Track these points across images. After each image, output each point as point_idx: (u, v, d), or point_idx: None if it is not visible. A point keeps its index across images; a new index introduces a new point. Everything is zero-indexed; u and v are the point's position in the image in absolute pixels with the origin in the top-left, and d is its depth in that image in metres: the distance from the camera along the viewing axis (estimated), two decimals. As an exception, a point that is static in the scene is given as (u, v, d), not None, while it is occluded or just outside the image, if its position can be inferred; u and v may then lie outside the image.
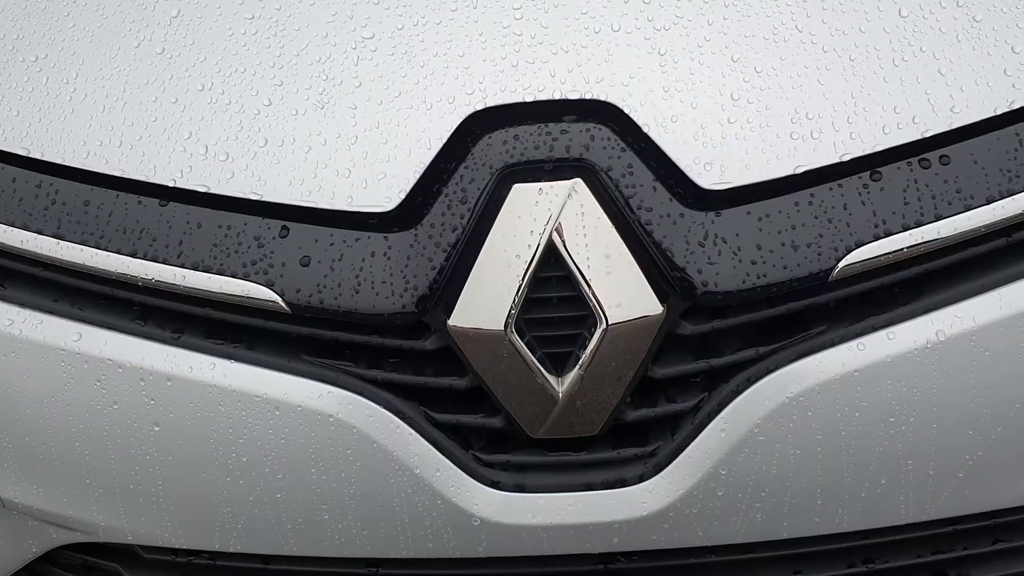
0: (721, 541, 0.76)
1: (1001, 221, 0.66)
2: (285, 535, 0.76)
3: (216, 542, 0.78)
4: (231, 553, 0.81)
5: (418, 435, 0.71)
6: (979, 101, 0.67)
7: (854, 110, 0.66)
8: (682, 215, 0.65)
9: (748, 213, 0.66)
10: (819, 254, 0.65)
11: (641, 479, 0.72)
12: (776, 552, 0.80)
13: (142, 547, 0.85)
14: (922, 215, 0.66)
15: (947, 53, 0.68)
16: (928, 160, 0.67)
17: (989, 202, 0.66)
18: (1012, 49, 0.69)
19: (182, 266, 0.68)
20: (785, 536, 0.75)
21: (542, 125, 0.67)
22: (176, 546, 0.80)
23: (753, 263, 0.65)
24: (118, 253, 0.70)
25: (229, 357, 0.71)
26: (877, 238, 0.65)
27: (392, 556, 0.78)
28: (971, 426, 0.71)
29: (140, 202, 0.70)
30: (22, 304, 0.75)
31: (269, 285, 0.67)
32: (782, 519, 0.74)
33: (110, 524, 0.79)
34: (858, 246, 0.65)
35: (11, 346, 0.74)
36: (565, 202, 0.65)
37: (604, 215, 0.65)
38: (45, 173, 0.73)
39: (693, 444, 0.70)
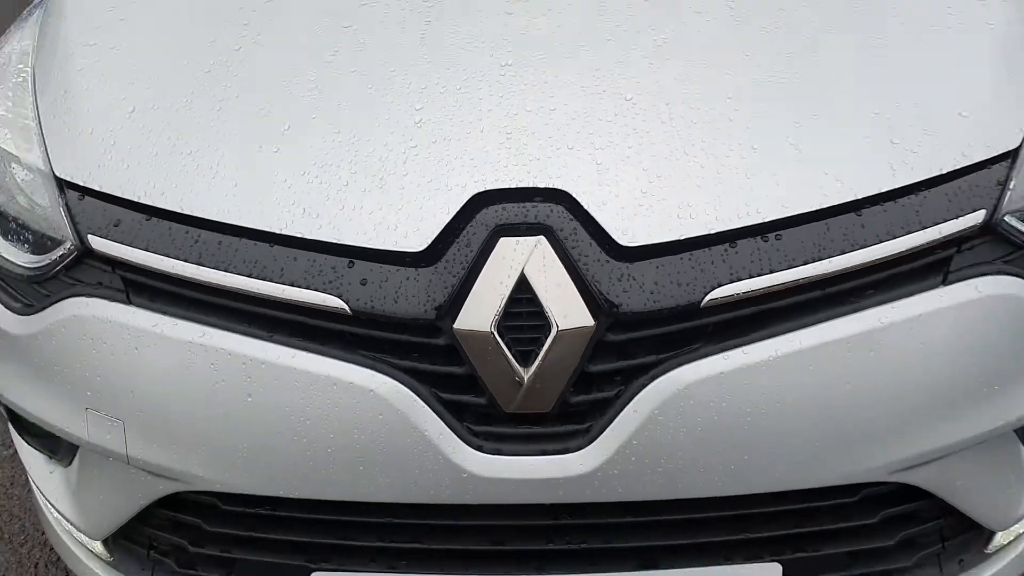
0: (633, 498, 1.08)
1: (813, 277, 1.02)
2: (331, 483, 1.08)
3: (280, 489, 1.10)
4: (289, 501, 1.13)
5: (429, 409, 1.03)
6: (801, 199, 1.03)
7: (719, 201, 1.02)
8: (608, 262, 1.01)
9: (650, 262, 1.01)
10: (693, 290, 1.00)
11: (578, 448, 1.04)
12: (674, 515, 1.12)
13: (221, 499, 1.17)
14: (762, 270, 1.01)
15: (783, 165, 1.06)
16: (767, 236, 1.03)
17: (805, 264, 1.02)
18: (825, 163, 1.06)
19: (283, 283, 1.04)
20: (679, 496, 1.08)
21: (520, 203, 1.03)
22: (252, 493, 1.12)
23: (652, 294, 1.00)
24: (238, 275, 1.05)
25: (306, 349, 1.04)
26: (731, 281, 1.01)
27: (405, 502, 1.10)
28: (801, 419, 1.04)
29: (255, 243, 1.06)
30: (163, 312, 1.09)
31: (340, 296, 1.02)
32: (676, 482, 1.06)
33: (206, 475, 1.11)
34: (719, 286, 1.00)
35: (152, 340, 1.08)
36: (532, 251, 1.00)
37: (557, 260, 1.00)
38: (190, 224, 1.09)
39: (614, 422, 1.03)
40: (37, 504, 1.43)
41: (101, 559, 1.30)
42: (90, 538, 1.28)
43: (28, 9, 1.52)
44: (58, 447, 1.31)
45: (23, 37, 1.41)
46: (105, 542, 1.28)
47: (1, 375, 1.25)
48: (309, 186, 1.06)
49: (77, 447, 1.27)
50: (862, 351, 1.03)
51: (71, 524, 1.31)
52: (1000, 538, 1.23)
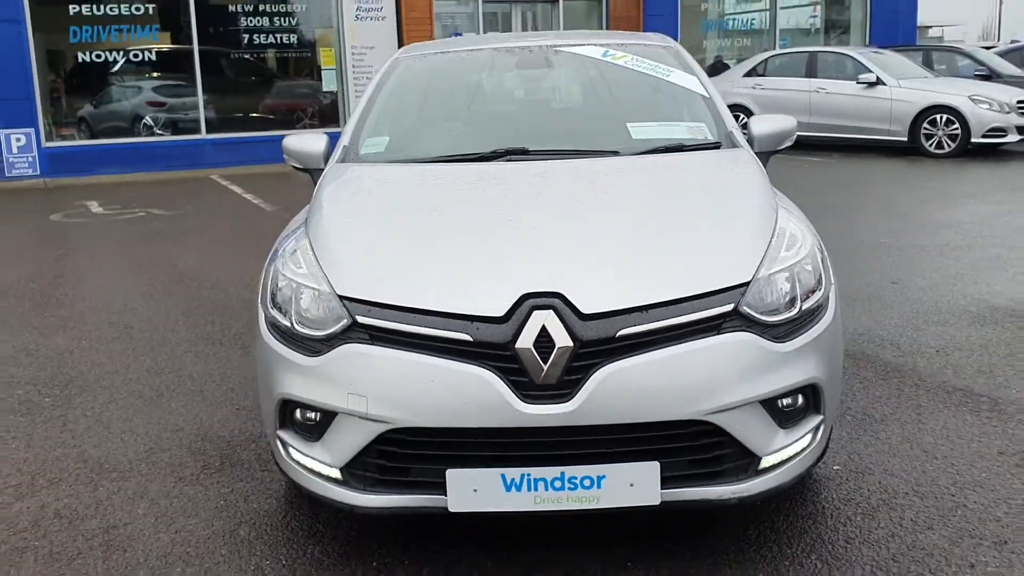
0: (590, 422, 2.47)
1: (663, 328, 2.47)
2: (460, 418, 2.48)
3: (437, 422, 2.50)
4: (437, 430, 2.52)
5: (504, 383, 2.44)
6: (658, 295, 2.50)
7: (623, 296, 2.49)
8: (577, 320, 2.46)
9: (594, 320, 2.46)
10: (612, 331, 2.45)
11: (566, 400, 2.45)
12: (619, 434, 2.53)
13: (405, 433, 2.55)
14: (639, 324, 2.47)
15: (650, 280, 2.55)
16: (643, 309, 2.48)
17: (658, 321, 2.48)
18: (667, 281, 2.55)
19: (444, 331, 2.49)
20: (610, 422, 2.48)
21: (540, 297, 2.49)
22: (423, 426, 2.52)
23: (595, 333, 2.45)
24: (424, 327, 2.51)
25: (453, 359, 2.48)
26: (627, 327, 2.46)
27: (489, 426, 2.49)
28: (661, 386, 2.46)
29: (430, 316, 2.52)
30: (388, 346, 2.54)
31: (468, 335, 2.47)
32: (608, 416, 2.46)
33: (404, 418, 2.50)
34: (622, 329, 2.46)
35: (382, 358, 2.51)
36: (546, 316, 2.46)
37: (557, 320, 2.45)
38: (399, 309, 2.56)
39: (581, 389, 2.45)
40: (282, 457, 2.78)
41: (336, 479, 2.66)
42: (332, 467, 2.65)
43: (296, 218, 3.09)
44: (313, 431, 2.70)
45: (300, 236, 2.94)
46: (340, 470, 2.65)
47: (297, 386, 2.66)
48: (456, 289, 2.55)
49: (324, 429, 2.66)
50: (685, 359, 2.48)
51: (320, 463, 2.67)
52: (765, 461, 2.62)
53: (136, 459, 3.61)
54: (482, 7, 16.45)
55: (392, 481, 2.60)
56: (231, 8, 14.84)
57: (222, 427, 3.90)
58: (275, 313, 2.78)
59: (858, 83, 13.62)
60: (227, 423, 3.94)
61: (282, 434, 2.78)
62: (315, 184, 3.63)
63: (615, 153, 3.51)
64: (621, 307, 2.49)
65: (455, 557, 2.80)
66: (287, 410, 2.75)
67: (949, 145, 12.81)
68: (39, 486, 3.40)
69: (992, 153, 13.08)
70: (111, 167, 13.95)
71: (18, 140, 13.67)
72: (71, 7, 13.87)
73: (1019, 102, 12.86)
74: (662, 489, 2.50)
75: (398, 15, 15.38)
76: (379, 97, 4.02)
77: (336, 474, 2.66)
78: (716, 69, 17.40)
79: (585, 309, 2.48)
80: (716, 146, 3.60)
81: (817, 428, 2.73)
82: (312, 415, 2.68)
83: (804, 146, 14.42)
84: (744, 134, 3.76)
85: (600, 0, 16.96)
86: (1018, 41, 22.50)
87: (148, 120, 14.78)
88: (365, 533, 2.96)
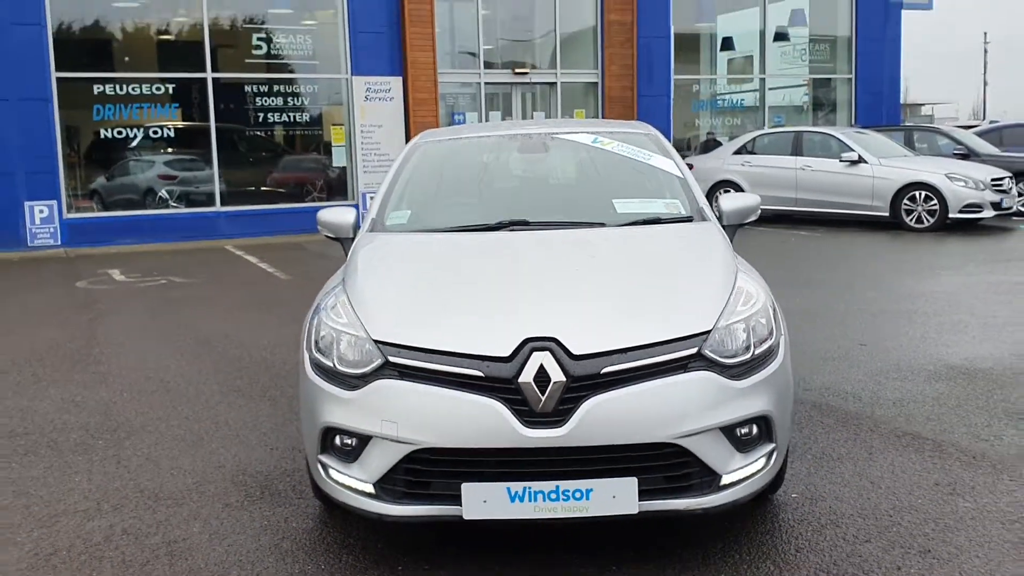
0: (578, 444, 3.03)
1: (639, 367, 3.04)
2: (473, 440, 3.04)
3: (453, 442, 3.06)
4: (453, 450, 3.07)
5: (510, 412, 3.01)
6: (634, 339, 3.08)
7: (607, 339, 3.07)
8: (569, 359, 3.03)
9: (584, 360, 3.03)
10: (598, 369, 3.02)
11: (559, 426, 3.01)
12: (602, 454, 3.08)
13: (427, 453, 3.11)
14: (620, 363, 3.04)
15: (627, 327, 3.13)
16: (623, 351, 3.06)
17: (635, 362, 3.06)
18: (643, 327, 3.14)
19: (460, 368, 3.06)
20: (595, 443, 3.03)
21: (539, 340, 3.06)
22: (441, 446, 3.07)
23: (584, 370, 3.02)
24: (443, 366, 3.08)
25: (468, 391, 3.04)
26: (610, 366, 3.04)
27: (496, 446, 3.05)
28: (638, 414, 3.03)
29: (448, 356, 3.10)
30: (416, 381, 3.11)
31: (480, 372, 3.03)
32: (594, 438, 3.02)
33: (427, 440, 3.06)
34: (605, 368, 3.03)
35: (411, 391, 3.09)
36: (544, 357, 3.04)
37: (553, 359, 3.02)
38: (423, 350, 3.14)
39: (572, 416, 3.02)
40: (321, 478, 3.33)
41: (370, 494, 3.20)
42: (366, 483, 3.19)
43: (332, 280, 3.69)
44: (351, 454, 3.25)
45: (339, 293, 3.54)
46: (374, 485, 3.19)
47: (337, 415, 3.23)
48: (470, 334, 3.13)
49: (360, 451, 3.21)
50: (658, 392, 3.05)
51: (356, 480, 3.22)
52: (725, 479, 3.17)
53: (186, 490, 4.15)
54: (484, 89, 17.31)
55: (416, 494, 3.15)
56: (247, 88, 15.68)
57: (259, 464, 4.44)
58: (319, 356, 3.36)
59: (841, 161, 14.37)
60: (264, 461, 4.48)
61: (323, 458, 3.33)
62: (345, 251, 4.25)
63: (602, 224, 4.14)
64: (605, 349, 3.06)
65: (467, 562, 3.33)
66: (328, 437, 3.30)
67: (928, 220, 13.50)
68: (104, 511, 3.93)
69: (969, 228, 13.75)
70: (129, 237, 14.64)
71: (41, 212, 14.38)
72: (96, 87, 14.69)
73: (993, 180, 13.58)
74: (640, 501, 3.04)
75: (405, 96, 16.22)
76: (401, 176, 4.67)
77: (370, 489, 3.20)
78: (708, 146, 18.22)
79: (576, 351, 3.05)
80: (688, 219, 4.23)
81: (770, 454, 3.28)
82: (350, 440, 3.23)
83: (792, 220, 15.16)
84: (716, 209, 4.39)
85: (596, 82, 17.84)
86: (996, 121, 23.49)
87: (163, 193, 15.50)
88: (391, 544, 3.49)
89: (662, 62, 18.08)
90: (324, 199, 16.23)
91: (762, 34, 20.01)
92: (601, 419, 3.02)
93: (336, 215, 4.48)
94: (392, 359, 3.16)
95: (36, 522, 3.83)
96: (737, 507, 3.24)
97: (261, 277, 11.08)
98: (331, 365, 3.29)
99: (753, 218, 4.46)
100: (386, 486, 3.18)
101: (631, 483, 3.04)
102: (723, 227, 4.26)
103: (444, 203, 4.68)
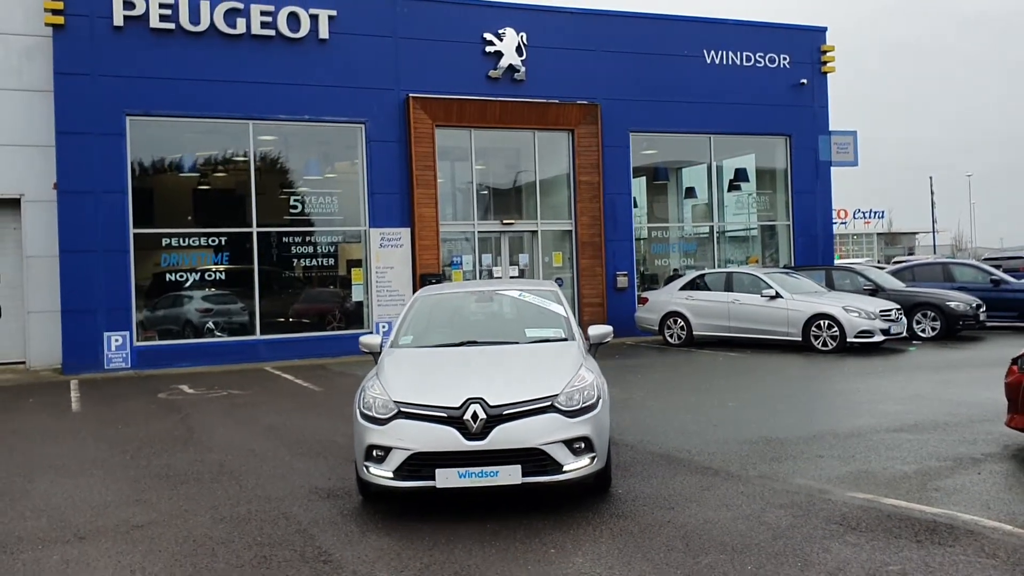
0: (492, 447, 6.28)
1: (522, 409, 6.36)
2: (437, 445, 6.33)
3: (431, 447, 6.33)
4: (431, 453, 6.33)
5: (459, 434, 6.29)
6: (528, 396, 6.38)
7: (510, 395, 6.37)
8: (490, 407, 6.32)
9: (498, 407, 6.31)
10: (502, 412, 6.31)
11: (484, 439, 6.28)
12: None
13: (417, 456, 6.36)
14: (515, 409, 6.34)
15: (525, 390, 6.44)
16: (517, 406, 6.36)
17: (523, 403, 6.36)
18: (528, 390, 6.45)
19: (431, 412, 6.39)
20: (501, 447, 6.29)
21: (473, 400, 6.35)
22: (425, 451, 6.33)
23: (496, 412, 6.31)
24: (426, 411, 6.38)
25: (437, 423, 6.33)
26: (507, 410, 6.33)
27: (451, 450, 6.30)
28: (529, 432, 6.31)
29: (429, 409, 6.39)
30: (415, 420, 6.43)
31: (444, 413, 6.34)
32: (501, 444, 6.29)
33: (417, 447, 6.33)
34: (505, 410, 6.31)
35: (411, 426, 6.40)
36: (476, 406, 6.32)
37: (480, 408, 6.30)
38: (418, 407, 6.44)
39: (490, 435, 6.29)
40: (365, 473, 6.58)
41: (390, 477, 6.44)
42: (388, 471, 6.44)
43: (369, 374, 7.08)
44: (381, 459, 6.50)
45: (373, 377, 6.92)
46: (393, 472, 6.43)
47: (375, 438, 6.51)
48: (441, 396, 6.45)
49: (385, 456, 6.47)
50: (531, 423, 6.34)
51: (383, 470, 6.46)
52: (566, 468, 6.40)
53: (282, 496, 7.38)
54: (478, 236, 20.96)
55: (413, 474, 6.38)
56: (284, 239, 19.34)
57: (323, 484, 7.66)
58: (364, 409, 6.65)
59: (763, 296, 17.83)
60: (324, 484, 7.71)
61: (367, 463, 6.59)
62: (375, 359, 7.62)
63: (516, 342, 7.55)
64: (507, 402, 6.35)
65: (447, 525, 6.53)
66: (369, 451, 6.56)
67: (831, 344, 16.82)
68: (241, 502, 7.15)
69: (870, 349, 17.04)
70: (185, 361, 18.01)
71: (116, 340, 17.79)
72: (163, 239, 18.34)
73: (882, 311, 16.97)
74: (522, 477, 6.28)
75: (412, 243, 19.84)
76: (408, 316, 8.11)
77: (390, 475, 6.44)
78: (672, 278, 21.75)
79: (492, 403, 6.33)
80: (564, 340, 7.61)
81: (592, 458, 6.52)
82: (380, 452, 6.48)
83: (726, 344, 18.53)
84: (586, 334, 7.79)
85: (570, 230, 21.52)
86: (911, 259, 26.88)
87: (211, 324, 18.96)
88: (408, 516, 6.71)
89: (625, 213, 21.80)
90: (343, 328, 19.65)
91: (719, 186, 23.79)
92: (504, 437, 6.28)
93: (371, 339, 7.85)
94: (402, 409, 6.45)
95: (207, 509, 7.06)
96: (573, 484, 6.48)
97: (300, 390, 14.38)
98: (371, 414, 6.59)
99: (609, 340, 7.81)
100: (397, 472, 6.42)
101: (517, 468, 6.29)
102: (590, 345, 7.61)
103: (432, 331, 8.06)
